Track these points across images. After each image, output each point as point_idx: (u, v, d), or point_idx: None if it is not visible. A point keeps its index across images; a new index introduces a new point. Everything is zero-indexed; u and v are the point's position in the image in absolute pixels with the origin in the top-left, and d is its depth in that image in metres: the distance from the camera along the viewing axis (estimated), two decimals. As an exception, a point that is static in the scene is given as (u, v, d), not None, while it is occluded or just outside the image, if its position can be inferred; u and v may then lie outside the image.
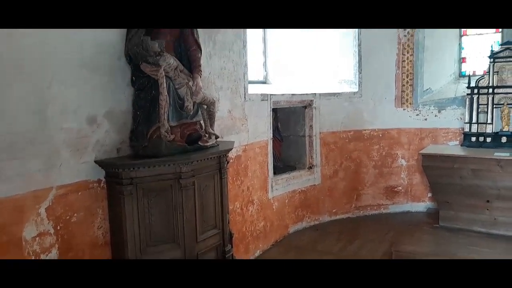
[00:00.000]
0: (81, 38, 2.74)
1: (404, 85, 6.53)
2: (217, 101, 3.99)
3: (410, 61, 6.46)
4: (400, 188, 6.65)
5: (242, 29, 4.59)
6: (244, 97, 4.68)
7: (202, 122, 3.51)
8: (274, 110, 5.59)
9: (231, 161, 4.23)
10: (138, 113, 3.04)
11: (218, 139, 3.60)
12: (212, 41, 4.10)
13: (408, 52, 6.46)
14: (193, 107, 3.31)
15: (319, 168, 6.12)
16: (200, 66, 3.44)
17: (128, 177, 2.82)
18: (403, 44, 6.46)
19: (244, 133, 4.66)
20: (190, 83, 3.27)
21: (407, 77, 6.50)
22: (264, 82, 6.83)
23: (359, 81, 6.32)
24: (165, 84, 2.98)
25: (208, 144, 3.37)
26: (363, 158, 6.51)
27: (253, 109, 4.88)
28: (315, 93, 6.02)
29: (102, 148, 2.93)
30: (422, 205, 6.55)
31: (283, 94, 5.62)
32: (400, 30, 6.42)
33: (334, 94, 6.22)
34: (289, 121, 6.19)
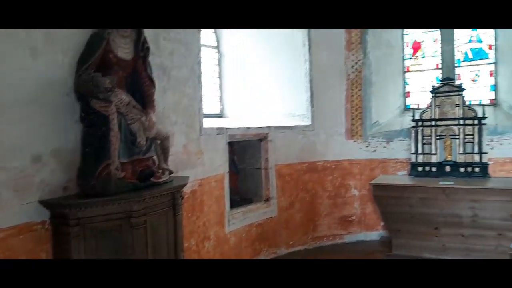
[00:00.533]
0: (28, 74, 2.65)
1: (353, 119, 6.83)
2: (172, 136, 3.95)
3: (359, 95, 6.80)
4: (354, 217, 6.81)
5: (197, 65, 4.65)
6: (200, 131, 4.68)
7: (155, 157, 3.46)
8: (230, 143, 5.62)
9: (186, 196, 4.15)
10: (87, 150, 2.93)
11: (172, 175, 3.55)
12: (166, 76, 4.11)
13: (356, 88, 6.81)
14: (146, 143, 3.27)
15: (276, 200, 6.15)
16: (154, 101, 3.42)
17: (75, 217, 2.68)
18: (351, 80, 6.81)
19: (200, 167, 4.63)
20: (143, 119, 3.23)
21: (356, 111, 6.82)
22: (220, 116, 6.89)
23: (311, 115, 6.53)
24: (116, 120, 2.93)
25: (162, 180, 3.31)
26: (318, 189, 6.64)
27: (209, 143, 4.88)
28: (270, 127, 6.13)
29: (47, 188, 2.78)
30: (375, 234, 6.72)
31: (238, 128, 5.67)
32: (348, 66, 6.78)
33: (288, 128, 6.37)
34: (246, 154, 6.24)
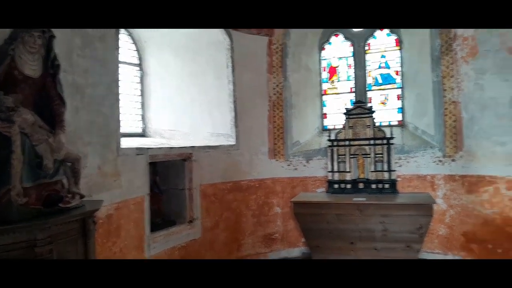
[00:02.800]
0: None
1: (276, 138, 7.06)
2: (85, 157, 3.76)
3: (281, 116, 7.07)
4: (277, 235, 6.96)
5: (114, 83, 4.50)
6: (117, 152, 4.50)
7: (64, 181, 3.25)
8: (153, 164, 5.48)
9: (100, 221, 3.94)
10: (-15, 174, 2.68)
11: (84, 199, 3.35)
12: (80, 94, 3.92)
13: (278, 109, 7.07)
14: (54, 165, 3.06)
15: (200, 221, 6.07)
16: (64, 121, 3.23)
17: (-32, 250, 2.41)
18: (273, 101, 7.06)
19: (116, 189, 4.43)
20: (51, 140, 3.03)
21: (278, 131, 7.07)
22: (143, 135, 6.71)
23: (236, 134, 6.62)
24: (19, 141, 2.72)
25: (71, 205, 3.11)
26: (242, 208, 6.70)
27: (128, 164, 4.70)
28: (194, 146, 6.09)
29: None
30: (297, 250, 6.92)
31: (160, 148, 5.56)
32: (270, 88, 7.03)
33: (213, 147, 6.38)
34: (169, 174, 6.10)
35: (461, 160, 6.11)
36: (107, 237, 4.21)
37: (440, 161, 6.33)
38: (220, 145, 6.51)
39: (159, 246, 5.28)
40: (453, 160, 6.21)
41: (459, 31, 6.03)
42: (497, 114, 5.58)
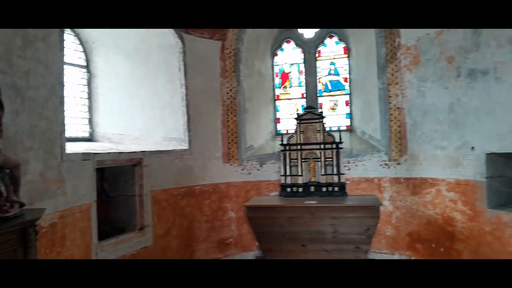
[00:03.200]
0: None
1: (230, 143, 7.07)
2: (26, 163, 3.55)
3: (234, 121, 7.08)
4: (231, 240, 6.94)
5: (58, 85, 4.29)
6: (61, 157, 4.28)
7: (3, 189, 3.05)
8: (100, 170, 5.27)
9: (43, 230, 3.74)
10: None
11: (25, 207, 3.16)
12: (20, 97, 3.70)
13: (231, 113, 7.08)
14: (-10, 173, 2.87)
15: (151, 228, 5.92)
16: (1, 125, 3.04)
17: None
18: (227, 106, 7.06)
19: (61, 197, 4.21)
20: (-14, 145, 2.84)
21: (232, 135, 7.07)
22: (90, 140, 6.45)
23: (189, 139, 6.54)
24: (-52, 147, 2.52)
25: (10, 214, 2.93)
26: (195, 213, 6.62)
27: (73, 170, 4.48)
28: (145, 151, 5.94)
29: None
30: (251, 254, 6.94)
31: (109, 153, 5.36)
32: (224, 92, 7.03)
33: (165, 152, 6.25)
34: (118, 180, 5.90)
35: (406, 163, 6.44)
36: (51, 246, 3.99)
37: (386, 164, 6.63)
38: (172, 150, 6.39)
39: (108, 254, 5.08)
40: (398, 164, 6.52)
41: (403, 41, 6.36)
42: (437, 119, 5.94)
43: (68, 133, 4.57)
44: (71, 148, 4.66)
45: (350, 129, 7.50)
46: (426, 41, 6.03)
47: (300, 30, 7.57)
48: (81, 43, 6.42)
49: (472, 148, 5.37)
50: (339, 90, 7.65)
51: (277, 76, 7.86)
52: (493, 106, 5.03)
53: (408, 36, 6.28)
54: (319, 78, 7.70)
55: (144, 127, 6.55)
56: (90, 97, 6.51)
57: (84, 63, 6.44)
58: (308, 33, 7.04)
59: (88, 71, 6.48)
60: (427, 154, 6.11)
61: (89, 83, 6.50)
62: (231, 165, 7.07)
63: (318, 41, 7.66)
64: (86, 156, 4.80)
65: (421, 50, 6.13)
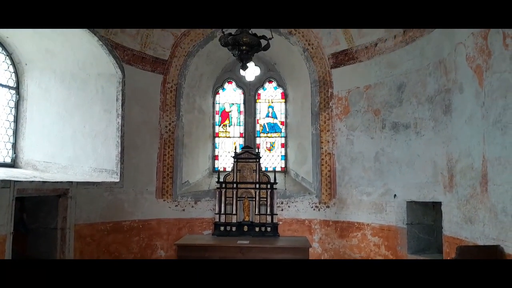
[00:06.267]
0: None
1: (165, 177, 6.92)
2: None
3: (171, 155, 6.99)
4: (158, 279, 6.63)
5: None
6: (-23, 184, 3.92)
7: None
8: (21, 199, 4.88)
9: None
10: None
11: None
12: None
13: (169, 147, 6.99)
14: None
15: (71, 264, 5.50)
16: None
17: None
18: (164, 139, 6.98)
19: (-29, 228, 3.82)
20: None
21: (168, 170, 6.95)
22: (12, 166, 5.98)
23: (121, 171, 6.30)
24: None
25: None
26: (122, 250, 6.27)
27: (-11, 199, 4.11)
28: (72, 181, 5.61)
29: None
30: (179, 295, 6.66)
31: (32, 181, 5.00)
32: (163, 126, 6.95)
33: (93, 183, 5.95)
34: (40, 211, 5.48)
35: (334, 206, 6.75)
36: (-49, 285, 3.55)
37: (316, 206, 6.89)
38: (102, 182, 6.11)
39: (18, 294, 4.60)
40: (327, 207, 6.81)
41: (335, 92, 6.84)
42: (364, 167, 6.37)
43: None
44: (-12, 174, 4.30)
45: (284, 171, 7.74)
46: (356, 94, 6.56)
47: (242, 73, 7.83)
48: (13, 64, 6.08)
49: (395, 195, 5.81)
50: (276, 132, 7.94)
51: (217, 114, 7.99)
52: (413, 157, 5.53)
53: (339, 88, 6.79)
54: (258, 119, 7.96)
55: (74, 156, 6.23)
56: (16, 121, 6.11)
57: (13, 85, 6.08)
58: (249, 76, 7.30)
59: (18, 93, 6.11)
60: (354, 199, 6.47)
61: (17, 106, 6.11)
62: (164, 200, 6.89)
63: (258, 84, 7.98)
64: (5, 183, 4.44)
65: (351, 102, 6.64)
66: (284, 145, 7.87)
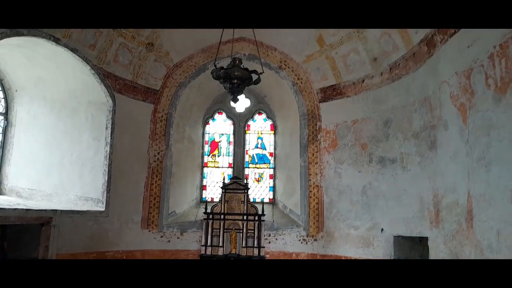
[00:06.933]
0: None
1: (151, 207, 6.82)
2: None
3: (158, 184, 6.92)
4: (140, 313, 6.41)
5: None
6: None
7: None
8: (2, 226, 4.76)
9: None
10: None
11: None
12: None
13: (156, 176, 6.93)
14: None
15: (50, 296, 5.30)
16: None
17: None
18: (152, 169, 6.92)
19: None
20: None
21: (154, 200, 6.86)
22: (-6, 192, 5.86)
23: (106, 200, 6.20)
24: None
25: None
26: (104, 282, 6.07)
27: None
28: (56, 210, 5.49)
29: None
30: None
31: (14, 209, 4.89)
32: (151, 155, 6.91)
33: (78, 212, 5.83)
34: (21, 240, 5.32)
35: (322, 240, 6.70)
36: None
37: (304, 239, 6.84)
38: (87, 211, 5.99)
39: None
40: (315, 240, 6.77)
41: (323, 125, 6.95)
42: (351, 200, 6.39)
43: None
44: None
45: (273, 202, 7.71)
46: (344, 128, 6.67)
47: (232, 104, 7.94)
48: (3, 89, 6.07)
49: (382, 230, 5.82)
50: (265, 163, 7.97)
51: (207, 143, 8.02)
52: (400, 192, 5.59)
53: (328, 121, 6.91)
54: (247, 150, 8.00)
55: (59, 184, 6.13)
56: (3, 146, 6.04)
57: (2, 110, 6.04)
58: (240, 108, 7.43)
59: (6, 119, 6.07)
60: (342, 232, 6.45)
61: (5, 132, 6.05)
62: (149, 231, 6.77)
63: (248, 115, 8.08)
64: (-13, 211, 4.34)
65: (339, 135, 6.74)
66: (273, 177, 7.88)
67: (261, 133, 8.08)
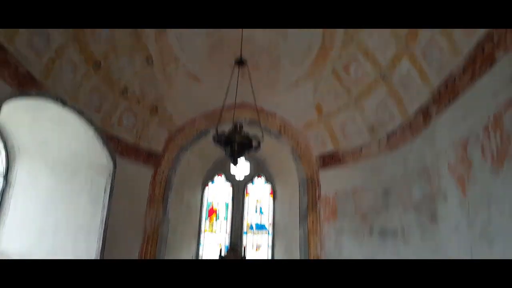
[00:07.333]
0: None
1: (144, 276, 6.52)
2: None
3: (153, 252, 6.69)
4: None
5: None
6: None
7: None
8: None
9: None
10: None
11: None
12: None
13: (152, 244, 6.71)
14: None
15: None
16: None
17: None
18: (148, 235, 6.73)
19: None
20: None
21: (148, 268, 6.58)
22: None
23: (99, 266, 5.96)
24: None
25: None
26: None
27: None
28: (45, 276, 5.27)
29: None
30: None
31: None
32: (148, 221, 6.75)
33: (68, 278, 5.58)
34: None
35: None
36: None
37: (303, 314, 6.43)
38: (78, 277, 5.72)
39: None
40: (315, 314, 6.36)
41: (322, 192, 6.85)
42: (352, 272, 6.11)
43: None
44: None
45: (272, 272, 7.39)
46: (343, 196, 6.54)
47: (232, 171, 8.03)
48: (5, 148, 6.11)
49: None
50: (263, 230, 7.79)
51: (204, 209, 7.90)
52: (402, 266, 5.34)
53: (327, 188, 6.83)
54: (246, 216, 7.86)
55: (52, 248, 5.92)
56: (0, 207, 5.94)
57: (2, 170, 6.05)
58: (239, 176, 7.46)
59: (5, 179, 6.05)
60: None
61: (3, 193, 5.99)
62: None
63: (248, 179, 8.08)
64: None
65: (339, 204, 6.59)
66: (272, 247, 7.62)
67: (260, 202, 8.00)
